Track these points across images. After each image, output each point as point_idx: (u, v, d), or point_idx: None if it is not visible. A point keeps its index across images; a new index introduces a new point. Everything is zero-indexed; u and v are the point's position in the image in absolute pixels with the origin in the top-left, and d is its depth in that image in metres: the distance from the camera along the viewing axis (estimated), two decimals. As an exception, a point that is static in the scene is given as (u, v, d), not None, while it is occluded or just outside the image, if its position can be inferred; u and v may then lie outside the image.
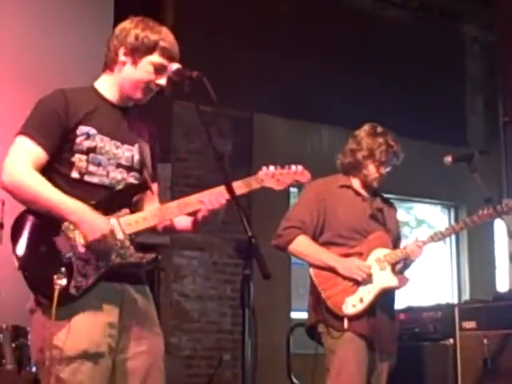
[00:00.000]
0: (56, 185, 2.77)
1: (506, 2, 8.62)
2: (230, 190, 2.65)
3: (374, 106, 7.40)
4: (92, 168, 2.82)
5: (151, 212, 2.87)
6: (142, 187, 2.94)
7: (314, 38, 7.87)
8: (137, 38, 2.88)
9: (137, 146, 2.96)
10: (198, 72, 2.74)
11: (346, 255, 4.13)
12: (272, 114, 7.66)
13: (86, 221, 2.71)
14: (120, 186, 2.88)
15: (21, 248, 2.71)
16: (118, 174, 2.88)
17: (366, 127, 4.35)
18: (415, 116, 8.24)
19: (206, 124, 2.70)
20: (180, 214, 2.92)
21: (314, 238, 4.20)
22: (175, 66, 2.86)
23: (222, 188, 2.79)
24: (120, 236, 2.77)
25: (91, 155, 2.82)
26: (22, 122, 2.82)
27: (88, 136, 2.82)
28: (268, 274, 2.36)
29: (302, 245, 4.17)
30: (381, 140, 4.24)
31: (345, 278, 4.08)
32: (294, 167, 3.06)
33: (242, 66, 7.33)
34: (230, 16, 7.42)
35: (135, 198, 2.88)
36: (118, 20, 2.97)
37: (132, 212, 2.85)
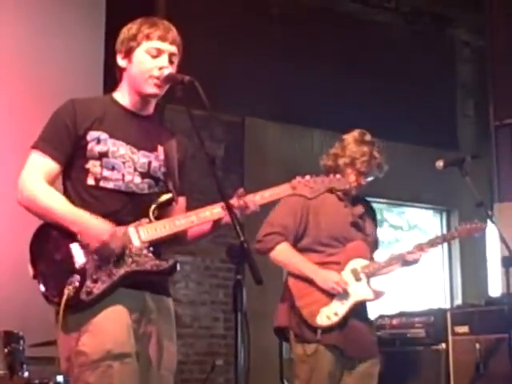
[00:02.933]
0: (75, 193, 2.78)
1: (497, 7, 8.63)
2: (223, 196, 2.62)
3: (364, 110, 7.41)
4: (106, 173, 2.79)
5: (171, 220, 2.81)
6: (165, 197, 2.87)
7: (305, 42, 7.87)
8: (123, 38, 2.91)
9: (156, 153, 2.91)
10: (190, 77, 2.74)
11: (324, 263, 4.09)
12: (263, 118, 7.66)
13: (87, 229, 2.68)
14: (139, 192, 2.83)
15: (37, 257, 2.71)
16: (136, 177, 2.84)
17: (355, 133, 4.27)
18: (406, 120, 8.25)
19: (197, 128, 2.69)
20: (199, 223, 2.87)
21: (295, 242, 4.15)
22: (167, 70, 2.85)
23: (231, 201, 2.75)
24: (136, 243, 2.73)
25: (104, 160, 2.79)
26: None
27: (99, 141, 2.80)
28: (260, 279, 2.35)
29: (282, 253, 4.13)
30: (365, 149, 4.17)
31: (321, 289, 4.05)
32: (331, 175, 3.05)
33: (234, 70, 7.32)
34: (221, 20, 7.41)
35: (156, 208, 2.81)
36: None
37: (151, 222, 2.79)
